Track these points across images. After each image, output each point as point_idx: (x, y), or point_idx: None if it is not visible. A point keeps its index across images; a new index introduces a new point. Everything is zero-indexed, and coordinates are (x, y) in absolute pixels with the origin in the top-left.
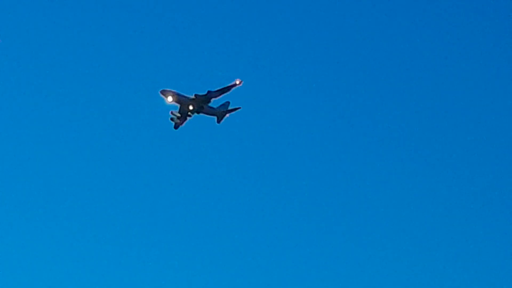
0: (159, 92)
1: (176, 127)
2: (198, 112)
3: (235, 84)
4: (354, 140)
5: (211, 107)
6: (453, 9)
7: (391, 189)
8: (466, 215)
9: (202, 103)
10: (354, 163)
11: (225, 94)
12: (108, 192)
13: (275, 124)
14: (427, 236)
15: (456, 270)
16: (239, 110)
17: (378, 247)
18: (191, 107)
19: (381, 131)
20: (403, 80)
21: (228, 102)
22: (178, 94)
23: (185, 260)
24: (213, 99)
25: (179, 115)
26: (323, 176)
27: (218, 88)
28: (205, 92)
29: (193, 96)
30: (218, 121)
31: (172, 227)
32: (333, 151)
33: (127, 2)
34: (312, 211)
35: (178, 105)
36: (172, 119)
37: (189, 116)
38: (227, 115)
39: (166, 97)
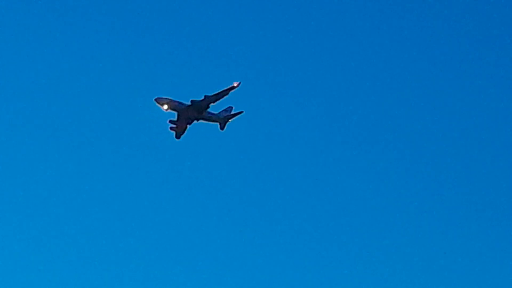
0: (153, 100)
1: (177, 136)
2: (197, 120)
3: (233, 87)
4: (359, 142)
5: (211, 113)
6: (453, 9)
7: (391, 189)
8: (466, 215)
9: (200, 109)
10: (360, 165)
11: (223, 98)
12: (111, 204)
13: (280, 127)
14: (427, 236)
15: (456, 270)
16: (242, 114)
17: (378, 247)
18: (189, 114)
19: (383, 132)
20: (402, 81)
21: (231, 107)
22: (173, 101)
23: (191, 267)
24: (211, 104)
25: (178, 123)
26: (331, 180)
27: (215, 92)
28: (202, 97)
29: (189, 103)
30: (221, 128)
31: (177, 238)
32: (338, 153)
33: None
34: (316, 214)
35: (176, 113)
36: (171, 128)
37: (189, 124)
38: (230, 120)
39: (162, 105)
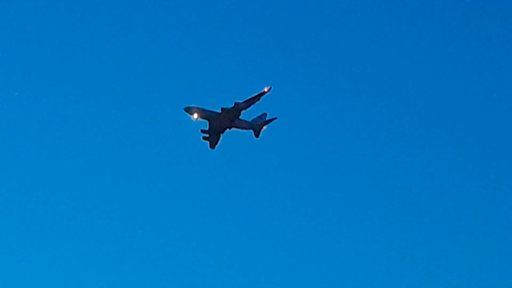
0: (183, 109)
1: (211, 146)
2: (229, 128)
3: (264, 92)
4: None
5: (244, 121)
6: (453, 9)
7: (391, 189)
8: (466, 215)
9: (231, 117)
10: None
11: (254, 104)
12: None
13: (314, 131)
14: (427, 236)
15: (456, 270)
16: (275, 120)
17: (379, 248)
18: (220, 123)
19: (385, 134)
20: (402, 81)
21: (266, 114)
22: (203, 110)
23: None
24: (242, 111)
25: (210, 132)
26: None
27: (246, 99)
28: (232, 105)
29: (219, 111)
30: (256, 135)
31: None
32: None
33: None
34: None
35: (207, 121)
36: (204, 138)
37: (222, 132)
38: (264, 127)
39: (192, 114)
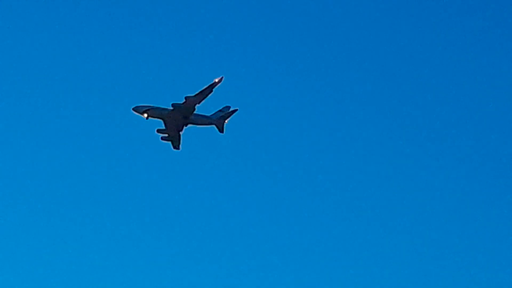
0: (131, 110)
1: (174, 146)
2: (186, 125)
3: (215, 83)
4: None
5: (201, 116)
6: (453, 9)
7: (391, 190)
8: (466, 215)
9: (185, 113)
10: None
11: (207, 96)
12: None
13: (278, 122)
14: (427, 236)
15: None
16: (236, 112)
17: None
18: (175, 120)
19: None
20: (402, 81)
21: (228, 107)
22: (153, 108)
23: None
24: (197, 105)
25: (168, 132)
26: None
27: (197, 92)
28: (183, 100)
29: (171, 107)
30: (220, 130)
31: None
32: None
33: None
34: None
35: (161, 121)
36: (163, 138)
37: (180, 131)
38: (226, 121)
39: (141, 114)
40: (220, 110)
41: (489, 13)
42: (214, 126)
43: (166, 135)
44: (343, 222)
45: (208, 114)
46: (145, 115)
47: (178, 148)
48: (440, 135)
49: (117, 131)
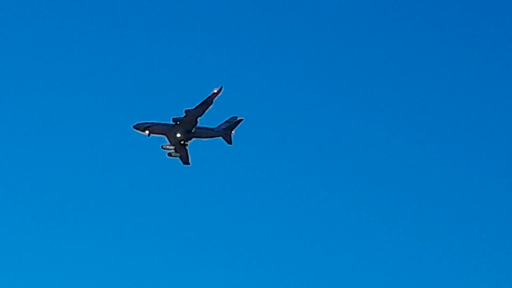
0: (132, 128)
1: (183, 161)
2: (189, 139)
3: (214, 94)
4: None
5: (205, 128)
6: (453, 9)
7: (392, 190)
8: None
9: (187, 127)
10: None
11: (208, 108)
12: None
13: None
14: (427, 236)
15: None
16: (242, 122)
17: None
18: (178, 135)
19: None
20: (401, 81)
21: (235, 117)
22: (154, 125)
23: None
24: (199, 118)
25: (173, 147)
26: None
27: (196, 105)
28: (183, 114)
29: (172, 122)
30: (228, 142)
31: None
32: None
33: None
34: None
35: (164, 137)
36: (169, 154)
37: (185, 145)
38: (233, 132)
39: (143, 131)
40: (226, 121)
41: (489, 13)
42: (221, 138)
43: (173, 150)
44: (357, 233)
45: (214, 126)
46: (147, 132)
47: (188, 163)
48: (440, 135)
49: (122, 150)
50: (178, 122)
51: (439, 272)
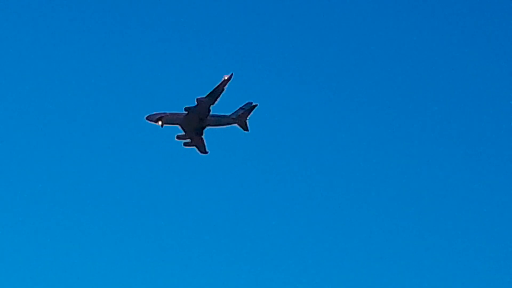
0: (145, 119)
1: (201, 151)
2: (204, 127)
3: (225, 81)
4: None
5: (218, 116)
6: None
7: (391, 190)
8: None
9: (200, 115)
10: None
11: (220, 95)
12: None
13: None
14: (427, 236)
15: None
16: (256, 108)
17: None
18: (192, 124)
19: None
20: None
21: (250, 103)
22: (167, 115)
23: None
24: (210, 106)
25: (188, 137)
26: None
27: (208, 93)
28: (195, 102)
29: (184, 112)
30: (244, 128)
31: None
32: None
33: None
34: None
35: (179, 126)
36: (186, 144)
37: (200, 134)
38: (248, 118)
39: (156, 122)
40: (241, 108)
41: (489, 13)
42: (236, 125)
43: (188, 140)
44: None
45: (228, 113)
46: (160, 122)
47: (205, 152)
48: (440, 135)
49: (136, 142)
50: (190, 111)
51: (439, 272)
